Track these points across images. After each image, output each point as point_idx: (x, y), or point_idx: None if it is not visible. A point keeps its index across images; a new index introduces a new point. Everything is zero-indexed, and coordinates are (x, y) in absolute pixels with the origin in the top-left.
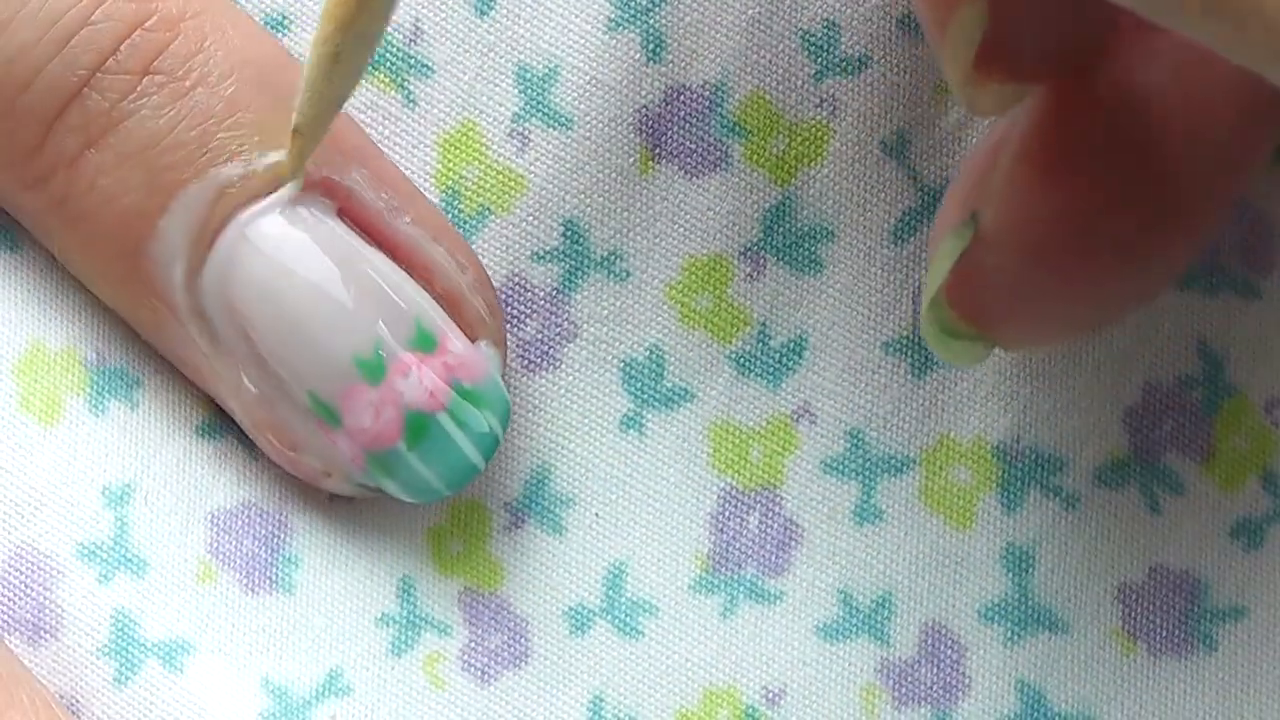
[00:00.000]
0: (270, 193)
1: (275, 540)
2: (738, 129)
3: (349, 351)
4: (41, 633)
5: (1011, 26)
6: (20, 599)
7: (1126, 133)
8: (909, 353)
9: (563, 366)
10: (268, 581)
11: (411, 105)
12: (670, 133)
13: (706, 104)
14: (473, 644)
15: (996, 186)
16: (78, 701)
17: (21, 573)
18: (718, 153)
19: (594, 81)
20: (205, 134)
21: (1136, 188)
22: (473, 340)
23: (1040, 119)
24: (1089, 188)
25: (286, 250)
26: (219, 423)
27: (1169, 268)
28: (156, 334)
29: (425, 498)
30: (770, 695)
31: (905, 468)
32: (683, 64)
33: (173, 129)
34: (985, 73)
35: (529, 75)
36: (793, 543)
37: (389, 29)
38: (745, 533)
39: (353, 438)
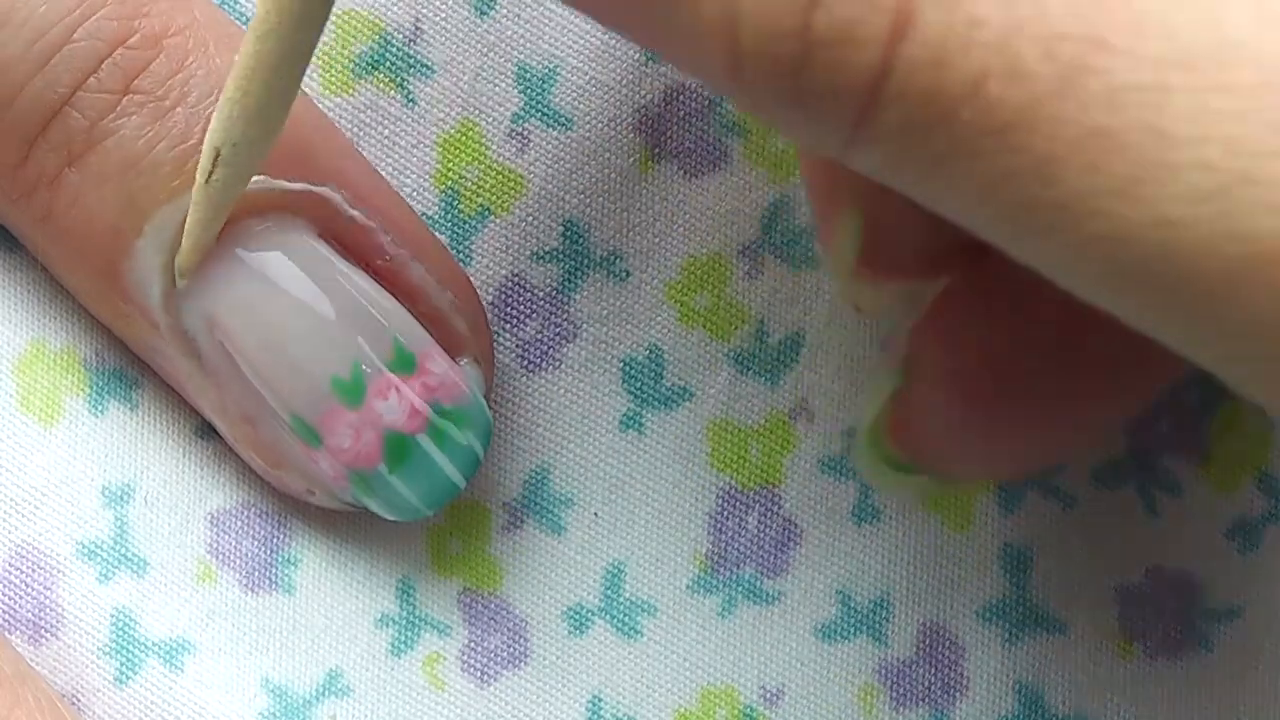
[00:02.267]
0: (249, 214)
1: (275, 541)
2: (737, 128)
3: (327, 373)
4: (42, 632)
5: (886, 232)
6: (20, 598)
7: (1029, 304)
8: None
9: (563, 366)
10: (267, 582)
11: (411, 105)
12: (670, 132)
13: (706, 103)
14: (472, 644)
15: (928, 334)
16: (79, 700)
17: (22, 572)
18: (717, 152)
19: (593, 81)
20: (183, 154)
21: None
22: (456, 359)
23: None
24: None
25: (266, 271)
26: None
27: (1105, 418)
28: (142, 349)
29: (407, 516)
30: (768, 695)
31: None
32: None
33: (151, 149)
34: (869, 273)
35: (529, 75)
36: (791, 542)
37: (389, 28)
38: (744, 532)
39: (334, 458)
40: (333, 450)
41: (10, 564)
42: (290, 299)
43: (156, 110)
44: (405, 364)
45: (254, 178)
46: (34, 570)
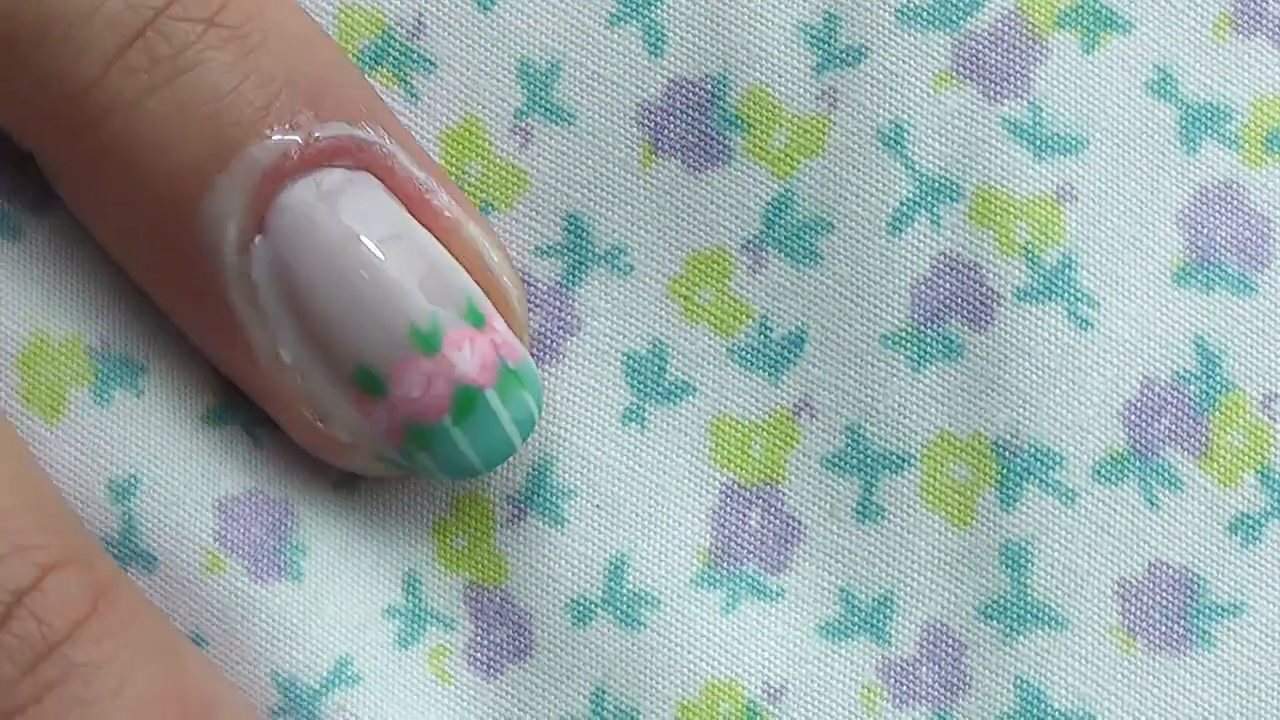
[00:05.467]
0: (328, 163)
1: (283, 527)
2: (739, 122)
3: (404, 321)
4: None
5: None
6: None
7: None
8: (907, 346)
9: (565, 360)
10: (276, 569)
11: (413, 100)
12: (672, 127)
13: (708, 98)
14: (477, 638)
15: None
16: None
17: None
18: (719, 146)
19: (595, 76)
20: (270, 96)
21: None
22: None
23: None
24: None
25: (344, 219)
26: (225, 409)
27: None
28: (186, 300)
29: (460, 476)
30: (771, 691)
31: (905, 464)
32: (684, 58)
33: (236, 86)
34: None
35: (531, 70)
36: (793, 539)
37: (391, 23)
38: (746, 529)
39: (396, 409)
40: (399, 401)
41: None
42: (368, 249)
43: (241, 48)
44: (476, 319)
45: (332, 128)
46: None
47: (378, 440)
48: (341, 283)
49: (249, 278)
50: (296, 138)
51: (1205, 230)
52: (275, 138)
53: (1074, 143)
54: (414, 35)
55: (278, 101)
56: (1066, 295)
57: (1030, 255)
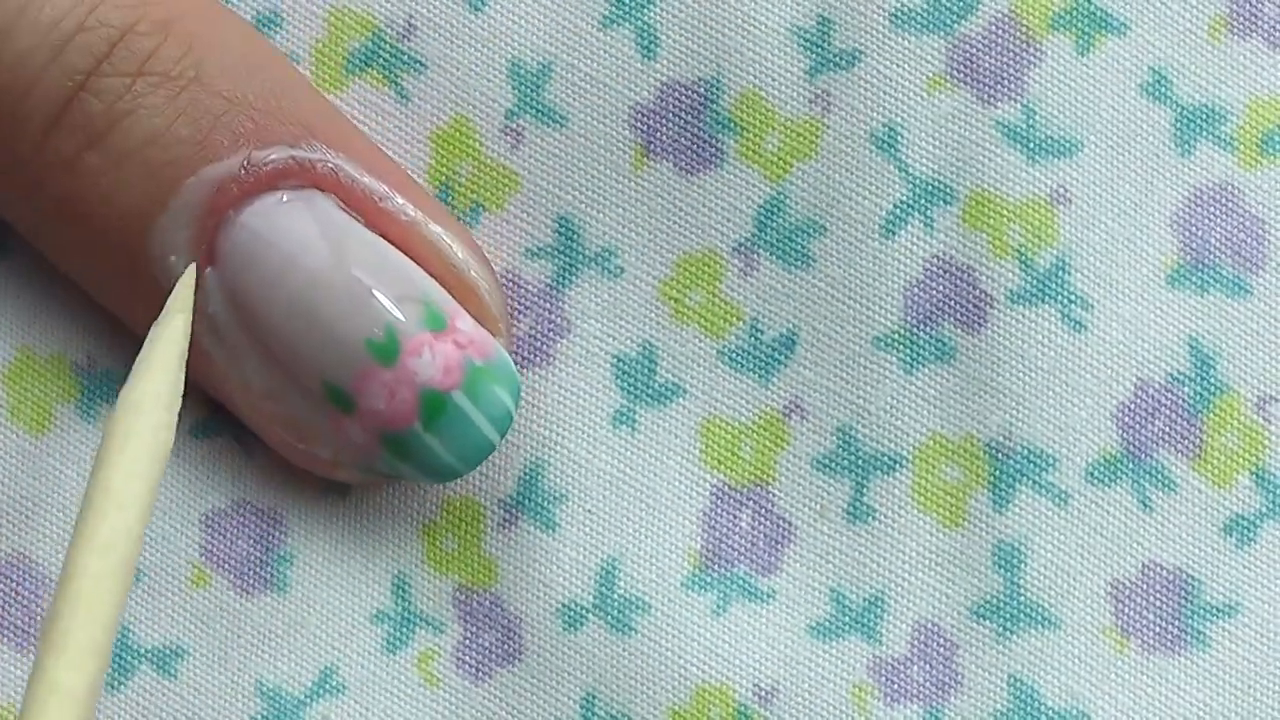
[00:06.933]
0: (268, 186)
1: (269, 538)
2: (731, 125)
3: (360, 335)
4: (32, 639)
5: None
6: (11, 607)
7: None
8: (899, 348)
9: (555, 362)
10: (261, 581)
11: (404, 101)
12: (664, 129)
13: (700, 100)
14: (466, 641)
15: None
16: None
17: (13, 581)
18: (711, 149)
19: (587, 78)
20: (201, 130)
21: None
22: (476, 318)
23: None
24: None
25: (290, 240)
26: (213, 422)
27: None
28: None
29: (441, 478)
30: (762, 694)
31: (896, 465)
32: (676, 60)
33: (169, 127)
34: None
35: (522, 71)
36: (784, 541)
37: (381, 25)
38: (737, 530)
39: (367, 422)
40: (366, 414)
41: (1, 573)
42: (317, 266)
43: (170, 90)
44: (436, 322)
45: (271, 152)
46: (25, 580)
47: (358, 453)
48: (293, 304)
49: (205, 311)
50: (234, 168)
51: (1200, 232)
52: (211, 171)
53: (1068, 145)
54: (404, 36)
55: (212, 135)
56: (1060, 297)
57: (1023, 258)
